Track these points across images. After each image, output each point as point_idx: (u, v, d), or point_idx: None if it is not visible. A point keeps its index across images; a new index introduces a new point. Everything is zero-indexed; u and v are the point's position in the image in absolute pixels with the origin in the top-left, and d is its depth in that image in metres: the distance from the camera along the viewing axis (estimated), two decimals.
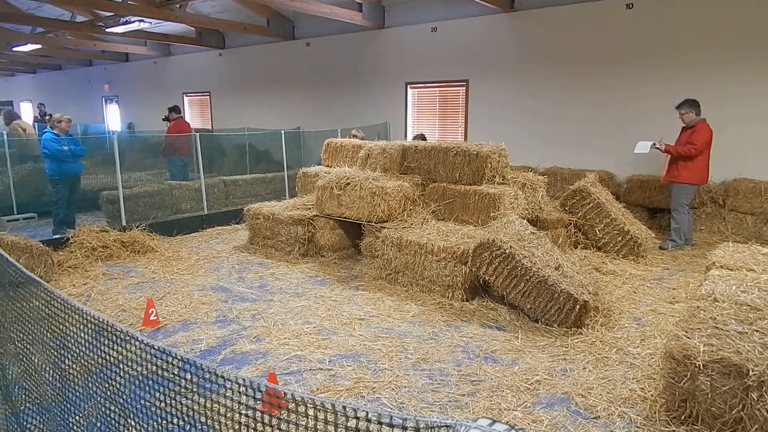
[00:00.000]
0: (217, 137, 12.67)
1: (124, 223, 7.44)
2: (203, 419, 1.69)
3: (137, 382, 1.90)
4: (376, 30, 11.23)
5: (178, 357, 1.68)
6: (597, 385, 3.51)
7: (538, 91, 9.30)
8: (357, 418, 1.36)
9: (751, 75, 7.27)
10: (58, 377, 2.42)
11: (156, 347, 1.73)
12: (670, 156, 6.67)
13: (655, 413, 3.14)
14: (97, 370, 2.08)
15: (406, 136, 11.10)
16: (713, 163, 6.68)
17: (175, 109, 10.96)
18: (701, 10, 7.59)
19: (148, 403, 1.90)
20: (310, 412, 1.44)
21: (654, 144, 6.70)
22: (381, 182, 5.97)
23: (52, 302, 2.25)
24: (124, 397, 2.01)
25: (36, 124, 16.04)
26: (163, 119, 11.21)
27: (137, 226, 7.22)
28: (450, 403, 3.32)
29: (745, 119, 6.61)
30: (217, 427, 1.63)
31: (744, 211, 7.17)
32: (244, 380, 1.53)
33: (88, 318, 2.03)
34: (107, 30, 12.25)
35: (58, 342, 2.30)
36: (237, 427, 1.58)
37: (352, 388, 3.49)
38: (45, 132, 7.34)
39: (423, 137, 9.39)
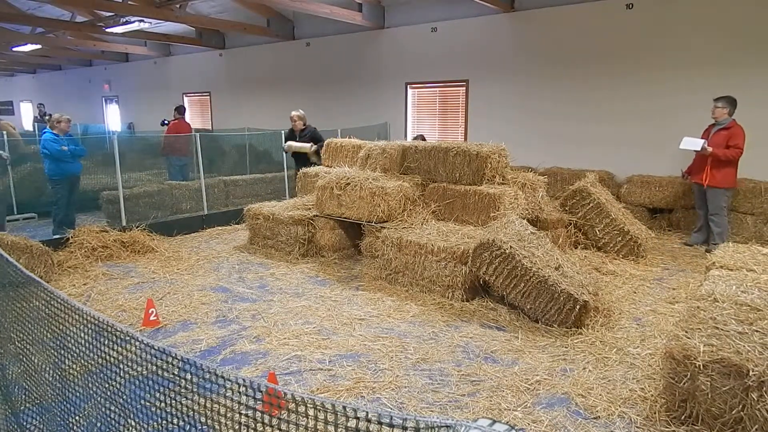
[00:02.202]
0: (217, 137, 12.67)
1: (124, 223, 7.45)
2: (203, 419, 1.69)
3: (137, 382, 1.90)
4: (376, 30, 11.23)
5: (178, 357, 1.68)
6: (597, 386, 3.51)
7: (538, 91, 9.30)
8: (357, 418, 1.36)
9: (751, 76, 7.27)
10: (58, 377, 2.42)
11: (156, 347, 1.73)
12: (710, 159, 6.49)
13: (655, 413, 3.14)
14: (97, 371, 2.08)
15: (406, 136, 11.10)
16: None
17: (180, 110, 10.98)
18: (701, 10, 7.59)
19: (148, 404, 1.90)
20: (310, 412, 1.44)
21: (705, 143, 6.45)
22: (381, 182, 5.97)
23: (52, 302, 2.25)
24: (124, 397, 2.01)
25: (36, 124, 16.08)
26: (162, 123, 11.23)
27: (137, 226, 7.22)
28: (450, 404, 3.32)
29: (745, 120, 6.60)
30: (217, 427, 1.63)
31: (744, 212, 7.17)
32: (244, 380, 1.53)
33: (88, 318, 2.03)
34: (107, 30, 12.25)
35: (58, 342, 2.30)
36: (237, 427, 1.58)
37: (352, 389, 3.49)
38: (45, 132, 7.35)
39: (423, 138, 9.37)
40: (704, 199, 6.79)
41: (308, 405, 1.44)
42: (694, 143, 6.54)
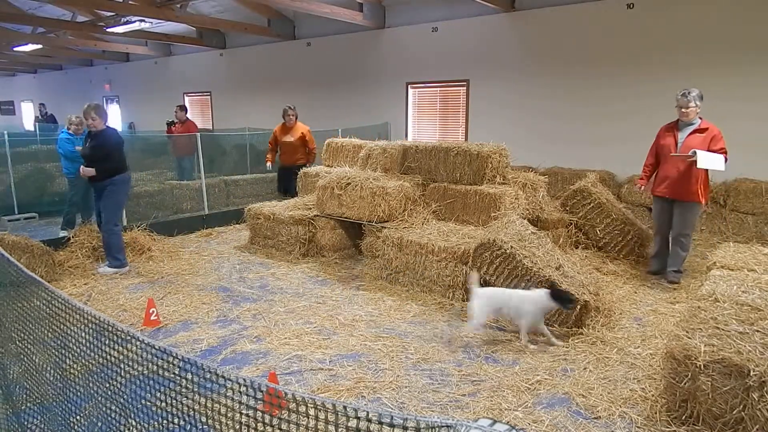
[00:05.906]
0: (218, 137, 12.68)
1: (124, 223, 7.44)
2: (204, 419, 1.69)
3: (138, 381, 1.90)
4: (377, 30, 11.23)
5: (179, 357, 1.68)
6: (598, 386, 3.51)
7: (538, 90, 9.30)
8: (357, 418, 1.36)
9: (751, 75, 7.26)
10: (59, 377, 2.42)
11: (157, 347, 1.73)
12: (700, 171, 5.22)
13: (655, 413, 3.14)
14: (98, 370, 2.08)
15: (406, 136, 11.12)
16: None
17: (184, 109, 10.96)
18: (701, 9, 7.59)
19: (148, 403, 1.90)
20: (311, 412, 1.44)
21: (723, 160, 5.14)
22: (382, 182, 5.97)
23: (53, 302, 2.25)
24: (125, 396, 2.01)
25: (37, 124, 16.12)
26: (168, 123, 11.20)
27: (138, 226, 7.22)
28: (450, 403, 3.32)
29: (745, 119, 6.61)
30: (217, 427, 1.63)
31: (745, 212, 7.17)
32: (244, 380, 1.53)
33: (89, 318, 2.04)
34: (108, 30, 12.26)
35: (59, 342, 2.30)
36: (237, 427, 1.58)
37: (352, 388, 3.49)
38: (62, 132, 7.47)
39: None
40: (670, 216, 5.51)
41: (309, 405, 1.44)
42: (713, 161, 5.05)
